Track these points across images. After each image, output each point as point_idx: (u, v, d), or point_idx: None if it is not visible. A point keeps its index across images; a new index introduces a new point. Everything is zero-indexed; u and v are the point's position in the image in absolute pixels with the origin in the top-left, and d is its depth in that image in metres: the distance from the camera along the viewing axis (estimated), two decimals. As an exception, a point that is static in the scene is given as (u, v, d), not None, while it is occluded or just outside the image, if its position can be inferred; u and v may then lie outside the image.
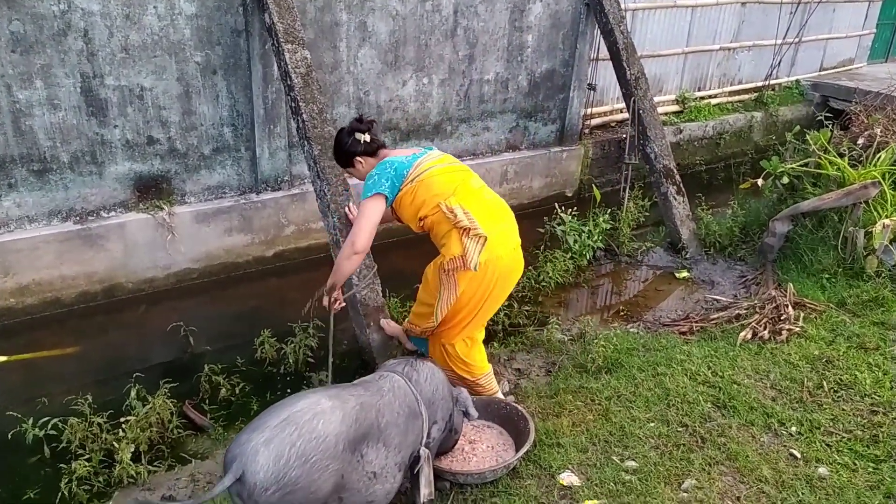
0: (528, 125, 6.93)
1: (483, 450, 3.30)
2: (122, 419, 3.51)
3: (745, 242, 6.04)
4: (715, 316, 4.77)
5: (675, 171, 6.17)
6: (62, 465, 3.30)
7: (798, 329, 4.23)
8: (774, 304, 4.61)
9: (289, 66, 4.58)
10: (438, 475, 3.06)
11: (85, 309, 5.02)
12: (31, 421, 3.44)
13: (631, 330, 4.74)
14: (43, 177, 4.65)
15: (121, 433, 3.40)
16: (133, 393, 3.58)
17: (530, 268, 5.41)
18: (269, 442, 2.10)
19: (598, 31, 6.61)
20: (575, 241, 5.83)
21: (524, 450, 3.13)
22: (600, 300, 5.47)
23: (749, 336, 4.22)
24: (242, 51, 5.02)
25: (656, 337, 4.49)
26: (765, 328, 4.28)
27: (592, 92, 7.27)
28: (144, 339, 4.82)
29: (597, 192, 6.68)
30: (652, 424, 3.44)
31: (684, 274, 5.76)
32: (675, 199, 6.10)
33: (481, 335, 3.58)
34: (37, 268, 4.75)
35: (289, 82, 4.61)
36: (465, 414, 3.14)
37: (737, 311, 4.72)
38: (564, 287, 5.49)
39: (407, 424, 2.58)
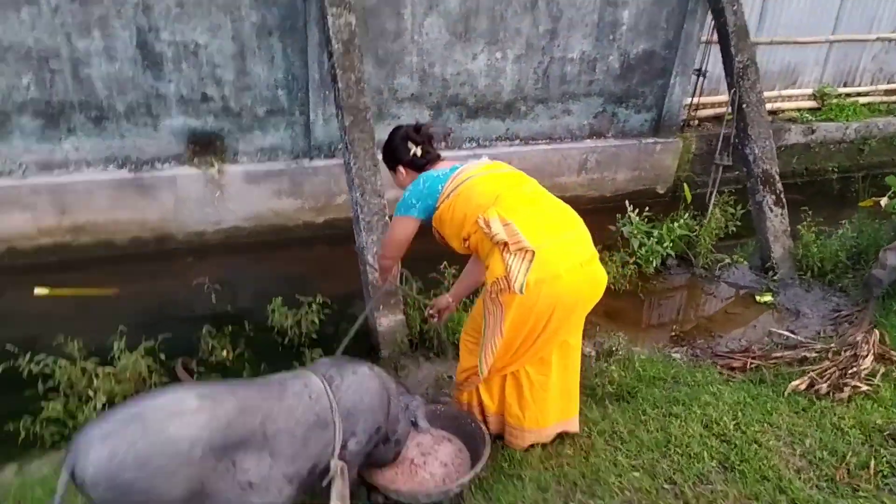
0: (616, 111, 6.28)
1: (434, 466, 2.98)
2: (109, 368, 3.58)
3: (852, 271, 5.09)
4: (778, 354, 4.04)
5: (776, 177, 5.30)
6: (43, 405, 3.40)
7: (867, 388, 3.44)
8: (853, 352, 3.81)
9: (331, 32, 4.39)
10: (372, 487, 2.81)
11: (136, 254, 5.22)
12: (28, 356, 3.58)
13: (674, 355, 4.14)
14: (100, 124, 4.84)
15: (95, 383, 3.45)
16: (117, 345, 3.62)
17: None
18: (106, 437, 1.94)
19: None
20: (641, 245, 5.21)
21: (466, 478, 2.77)
22: (654, 315, 4.84)
23: (803, 386, 3.50)
24: (300, 13, 4.89)
25: (695, 369, 3.87)
26: (826, 380, 3.53)
27: (701, 79, 6.43)
28: (180, 291, 4.90)
29: (687, 192, 5.96)
30: (635, 474, 2.92)
31: (767, 298, 4.96)
32: (772, 209, 5.25)
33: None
34: (92, 209, 4.99)
35: (329, 48, 4.42)
36: (414, 424, 2.84)
37: (805, 353, 3.95)
38: (617, 294, 4.91)
39: (308, 433, 2.32)
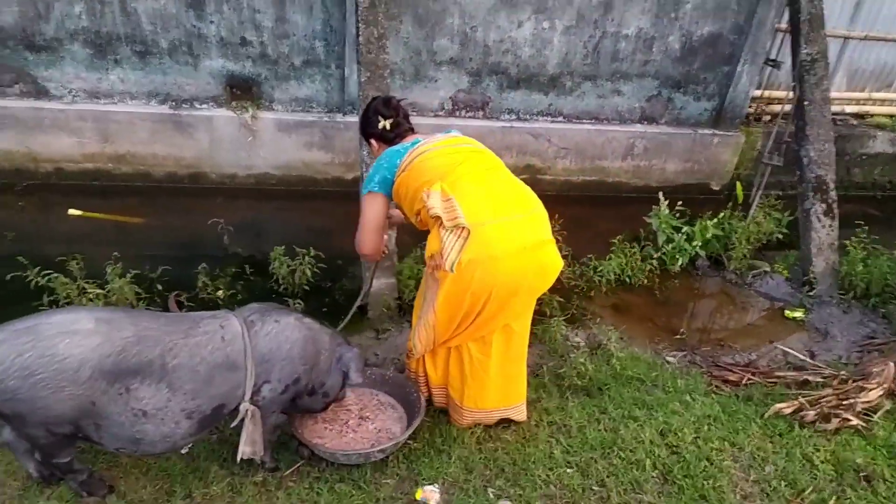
0: (673, 96, 5.90)
1: (369, 430, 2.96)
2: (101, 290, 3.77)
3: (899, 297, 4.60)
4: (780, 374, 3.72)
5: (830, 185, 4.83)
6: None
7: (859, 423, 3.11)
8: (863, 385, 3.45)
9: (360, -17, 4.32)
10: (299, 440, 2.83)
11: (170, 188, 5.46)
12: (36, 269, 3.82)
13: (667, 359, 3.91)
14: (144, 59, 5.03)
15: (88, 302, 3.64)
16: (110, 270, 3.79)
17: (591, 256, 4.71)
18: (-1, 344, 2.04)
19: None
20: (668, 241, 4.92)
21: (387, 445, 2.74)
22: (664, 315, 4.55)
23: (788, 411, 3.21)
24: (342, -37, 4.87)
25: (680, 375, 3.64)
26: (816, 407, 3.22)
27: (774, 70, 5.92)
28: (201, 228, 5.10)
29: (739, 191, 5.60)
30: (567, 470, 2.79)
31: (797, 314, 4.57)
32: (821, 220, 4.80)
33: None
34: (132, 141, 5.23)
35: (357, 1, 4.36)
36: (345, 376, 2.80)
37: (810, 377, 3.62)
38: (630, 288, 4.69)
39: (213, 372, 2.35)
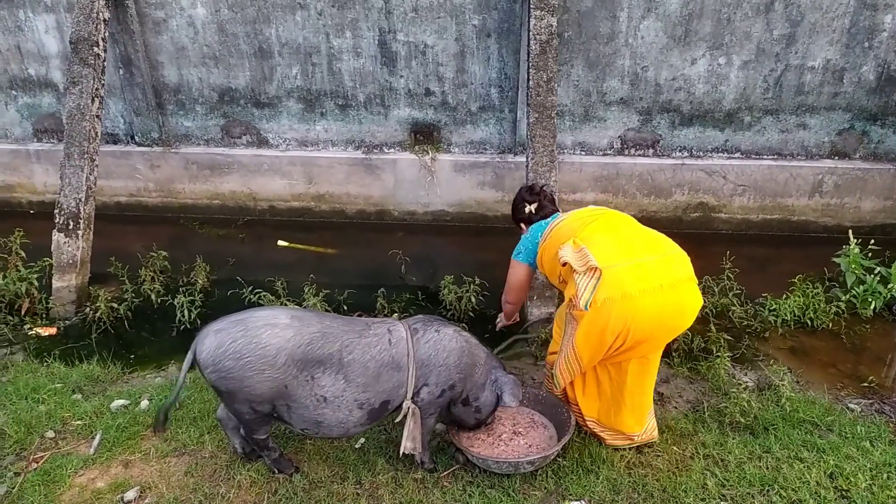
0: (868, 129, 5.46)
1: (520, 444, 3.12)
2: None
3: None
4: None
5: None
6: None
7: None
8: None
9: (531, 32, 4.65)
10: (458, 448, 3.06)
11: (360, 223, 6.13)
12: (249, 288, 4.53)
13: (850, 405, 3.61)
14: (345, 111, 5.77)
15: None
16: (307, 290, 4.38)
17: (766, 295, 4.49)
18: (218, 332, 2.52)
19: None
20: (859, 283, 4.54)
21: (535, 457, 2.87)
22: (850, 361, 4.17)
23: None
24: (516, 16, 5.24)
25: (862, 423, 3.35)
26: None
27: None
28: (384, 258, 5.65)
29: (951, 233, 5.00)
30: (722, 503, 2.72)
31: None
32: None
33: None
34: (331, 182, 5.98)
35: (528, 48, 4.69)
36: (499, 398, 3.02)
37: None
38: (813, 331, 4.38)
39: (381, 370, 2.68)
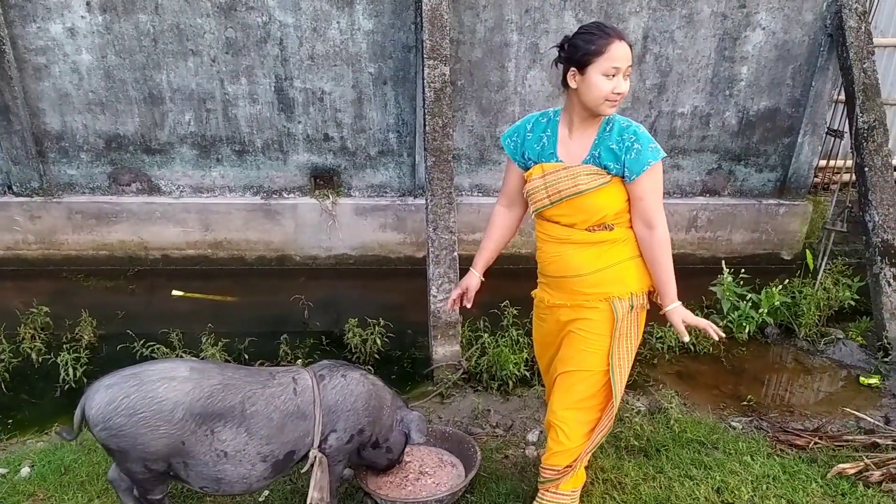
0: (733, 169, 6.02)
1: (427, 484, 3.15)
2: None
3: None
4: (849, 437, 3.63)
5: (900, 249, 4.77)
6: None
7: (930, 485, 3.00)
8: (940, 447, 3.33)
9: (426, 80, 4.83)
10: (366, 492, 3.05)
11: (260, 270, 6.01)
12: (141, 342, 4.32)
13: (732, 423, 3.89)
14: (242, 157, 5.71)
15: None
16: (205, 340, 4.25)
17: (652, 323, 4.79)
18: (110, 386, 2.41)
19: (845, 67, 5.40)
20: (734, 309, 4.94)
21: (440, 495, 2.91)
22: (730, 382, 4.51)
23: (851, 471, 3.15)
24: (411, 65, 5.43)
25: (743, 439, 3.62)
26: (884, 468, 3.14)
27: (837, 140, 5.96)
28: (286, 304, 5.57)
29: (810, 260, 5.57)
30: (618, 526, 2.85)
31: (873, 381, 4.44)
32: (891, 284, 4.72)
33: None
34: (229, 228, 5.85)
35: (424, 95, 4.87)
36: (407, 437, 3.04)
37: (879, 440, 3.52)
38: (696, 356, 4.71)
39: (285, 420, 2.64)
